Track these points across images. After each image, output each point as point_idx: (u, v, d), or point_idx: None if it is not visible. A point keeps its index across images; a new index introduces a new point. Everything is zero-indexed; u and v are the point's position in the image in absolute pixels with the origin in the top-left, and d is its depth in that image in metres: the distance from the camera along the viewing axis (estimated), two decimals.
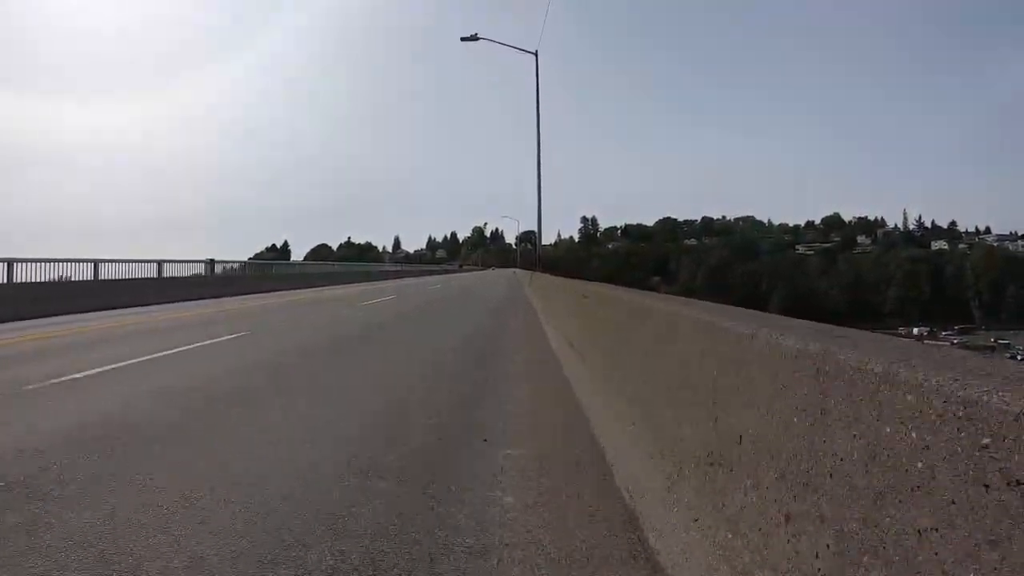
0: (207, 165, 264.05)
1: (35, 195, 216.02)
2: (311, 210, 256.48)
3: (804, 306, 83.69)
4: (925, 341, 63.11)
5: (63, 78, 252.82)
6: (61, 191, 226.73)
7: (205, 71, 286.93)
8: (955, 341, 64.63)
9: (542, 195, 17.29)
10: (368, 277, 36.67)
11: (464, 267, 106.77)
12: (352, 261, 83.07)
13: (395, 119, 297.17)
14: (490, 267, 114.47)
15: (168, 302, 15.52)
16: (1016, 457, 0.81)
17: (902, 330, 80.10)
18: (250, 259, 32.42)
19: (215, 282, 19.78)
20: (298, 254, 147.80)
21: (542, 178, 16.77)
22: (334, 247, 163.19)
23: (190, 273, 19.13)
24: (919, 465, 0.97)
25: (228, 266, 22.51)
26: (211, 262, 20.48)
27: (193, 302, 16.04)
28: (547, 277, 16.36)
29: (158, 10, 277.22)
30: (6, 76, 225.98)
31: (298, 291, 22.51)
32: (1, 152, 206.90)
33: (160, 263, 17.41)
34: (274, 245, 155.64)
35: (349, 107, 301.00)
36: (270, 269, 28.04)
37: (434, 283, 33.94)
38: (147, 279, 16.77)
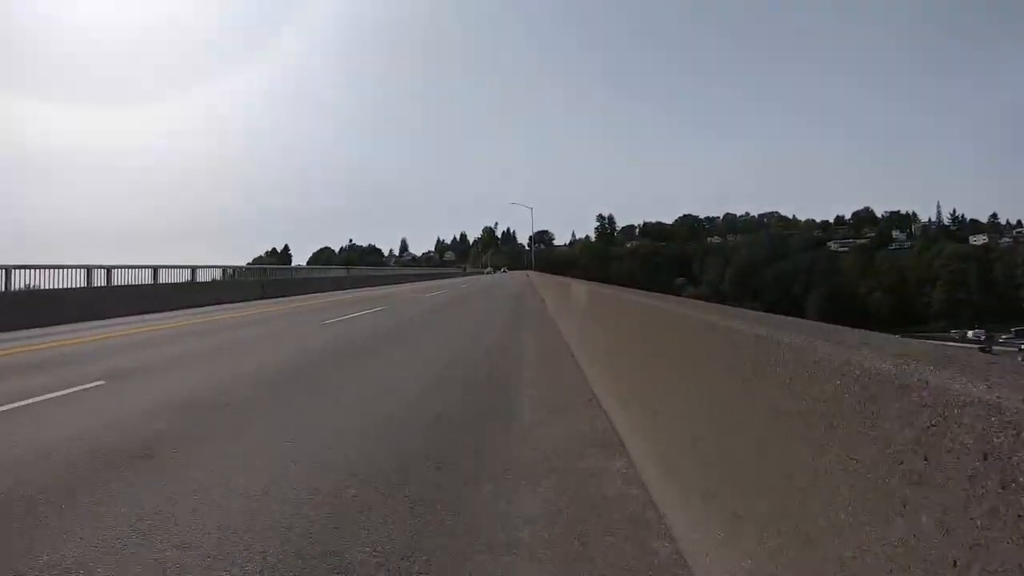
0: (206, 168, 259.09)
1: (39, 199, 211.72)
2: (313, 212, 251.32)
3: (845, 310, 78.03)
4: (993, 349, 56.32)
5: (62, 81, 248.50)
6: (59, 195, 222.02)
7: (209, 77, 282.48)
8: None
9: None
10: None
11: (469, 271, 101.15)
12: (354, 265, 78.30)
13: (402, 119, 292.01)
14: (500, 269, 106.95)
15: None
16: None
17: (955, 333, 73.52)
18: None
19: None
20: (299, 258, 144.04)
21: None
22: (336, 250, 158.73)
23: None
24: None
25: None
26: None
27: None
28: None
29: (159, 15, 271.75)
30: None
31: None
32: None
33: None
34: (274, 249, 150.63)
35: (353, 108, 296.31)
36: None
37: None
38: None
